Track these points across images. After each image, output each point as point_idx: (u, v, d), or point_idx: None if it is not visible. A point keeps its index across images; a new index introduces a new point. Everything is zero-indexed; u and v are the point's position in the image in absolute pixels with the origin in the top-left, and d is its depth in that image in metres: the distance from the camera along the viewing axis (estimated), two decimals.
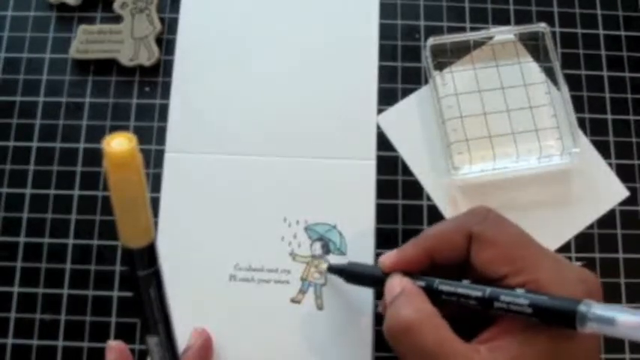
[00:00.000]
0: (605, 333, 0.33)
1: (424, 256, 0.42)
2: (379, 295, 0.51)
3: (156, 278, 0.33)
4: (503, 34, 0.56)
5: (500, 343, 0.37)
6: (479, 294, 0.38)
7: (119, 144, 0.28)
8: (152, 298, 0.33)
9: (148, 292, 0.33)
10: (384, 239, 0.53)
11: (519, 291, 0.36)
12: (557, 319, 0.35)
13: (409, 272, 0.42)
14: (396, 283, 0.41)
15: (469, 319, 0.39)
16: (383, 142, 0.55)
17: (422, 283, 0.41)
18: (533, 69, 0.56)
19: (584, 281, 0.38)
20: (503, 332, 0.37)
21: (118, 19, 0.57)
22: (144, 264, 0.32)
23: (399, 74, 0.56)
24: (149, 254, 0.32)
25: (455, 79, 0.55)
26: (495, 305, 0.37)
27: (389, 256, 0.43)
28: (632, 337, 0.33)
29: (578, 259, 0.52)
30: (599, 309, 0.33)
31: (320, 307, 0.51)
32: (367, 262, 0.51)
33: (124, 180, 0.29)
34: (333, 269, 0.49)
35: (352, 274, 0.47)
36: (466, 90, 0.55)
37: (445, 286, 0.40)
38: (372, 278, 0.45)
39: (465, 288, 0.39)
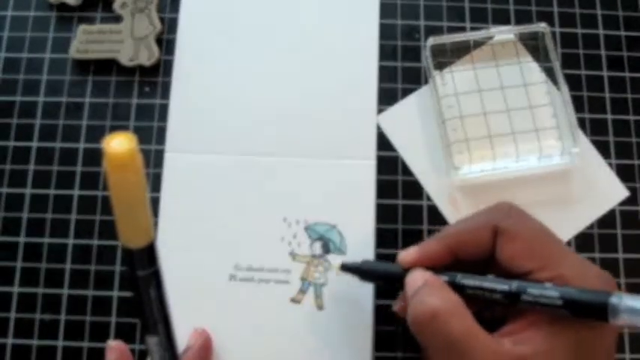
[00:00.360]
0: (637, 324, 0.33)
1: (447, 252, 0.42)
2: (380, 294, 0.51)
3: (156, 278, 0.33)
4: (503, 34, 0.56)
5: (524, 336, 0.37)
6: (505, 287, 0.38)
7: (119, 144, 0.28)
8: (152, 298, 0.33)
9: (147, 292, 0.33)
10: (384, 239, 0.53)
11: (548, 284, 0.37)
12: (588, 312, 0.35)
13: (430, 268, 0.42)
14: (419, 277, 0.41)
15: (489, 317, 0.39)
16: (383, 142, 0.55)
17: (445, 278, 0.41)
18: (533, 69, 0.56)
19: (605, 281, 0.38)
20: (528, 325, 0.37)
21: (118, 19, 0.57)
22: (144, 264, 0.32)
23: (399, 74, 0.56)
24: (149, 254, 0.32)
25: (455, 79, 0.55)
26: (523, 298, 0.37)
27: (409, 253, 0.43)
28: None
29: None
30: (631, 300, 0.33)
31: (320, 307, 0.51)
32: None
33: (124, 180, 0.29)
34: (348, 267, 0.49)
35: (368, 272, 0.47)
36: (466, 90, 0.55)
37: (469, 280, 0.40)
38: (389, 275, 0.45)
39: (491, 282, 0.39)
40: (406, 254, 0.43)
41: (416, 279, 0.41)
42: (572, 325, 0.36)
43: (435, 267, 0.42)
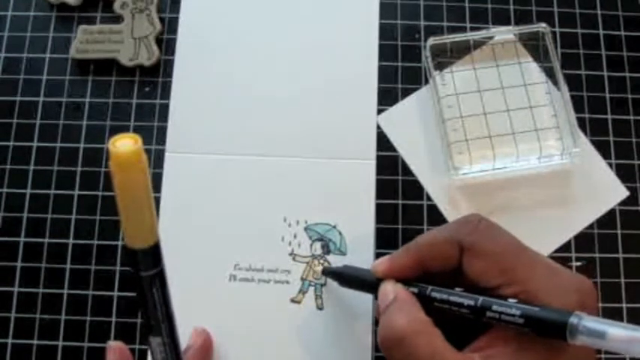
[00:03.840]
0: (596, 346, 0.33)
1: (416, 265, 0.41)
2: None
3: (160, 279, 0.33)
4: (503, 34, 0.56)
5: (493, 352, 0.36)
6: (471, 303, 0.38)
7: (124, 145, 0.28)
8: (156, 299, 0.33)
9: (151, 292, 0.33)
10: (384, 239, 0.53)
11: (512, 301, 0.36)
12: (548, 331, 0.35)
13: (402, 279, 0.42)
14: (390, 290, 0.41)
15: (463, 325, 0.39)
16: (383, 142, 0.55)
17: (415, 290, 0.41)
18: (533, 69, 0.56)
19: (579, 290, 0.37)
20: (497, 340, 0.37)
21: (118, 19, 0.57)
22: (148, 264, 0.32)
23: (399, 74, 0.56)
24: (153, 255, 0.32)
25: (455, 79, 0.55)
26: (487, 315, 0.37)
27: (382, 263, 0.43)
28: (622, 351, 0.32)
29: (578, 259, 0.52)
30: (590, 322, 0.33)
31: (320, 307, 0.51)
32: (365, 264, 0.51)
33: (129, 181, 0.29)
34: (328, 272, 0.49)
35: (346, 278, 0.47)
36: (466, 90, 0.55)
37: (438, 293, 0.39)
38: (365, 283, 0.45)
39: (458, 296, 0.39)
40: (378, 264, 0.43)
41: (387, 292, 0.41)
42: (539, 340, 0.36)
43: (407, 278, 0.42)
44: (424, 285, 0.41)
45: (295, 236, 0.53)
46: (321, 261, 0.52)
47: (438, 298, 0.39)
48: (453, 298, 0.39)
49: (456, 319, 0.39)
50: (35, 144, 0.55)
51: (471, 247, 0.39)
